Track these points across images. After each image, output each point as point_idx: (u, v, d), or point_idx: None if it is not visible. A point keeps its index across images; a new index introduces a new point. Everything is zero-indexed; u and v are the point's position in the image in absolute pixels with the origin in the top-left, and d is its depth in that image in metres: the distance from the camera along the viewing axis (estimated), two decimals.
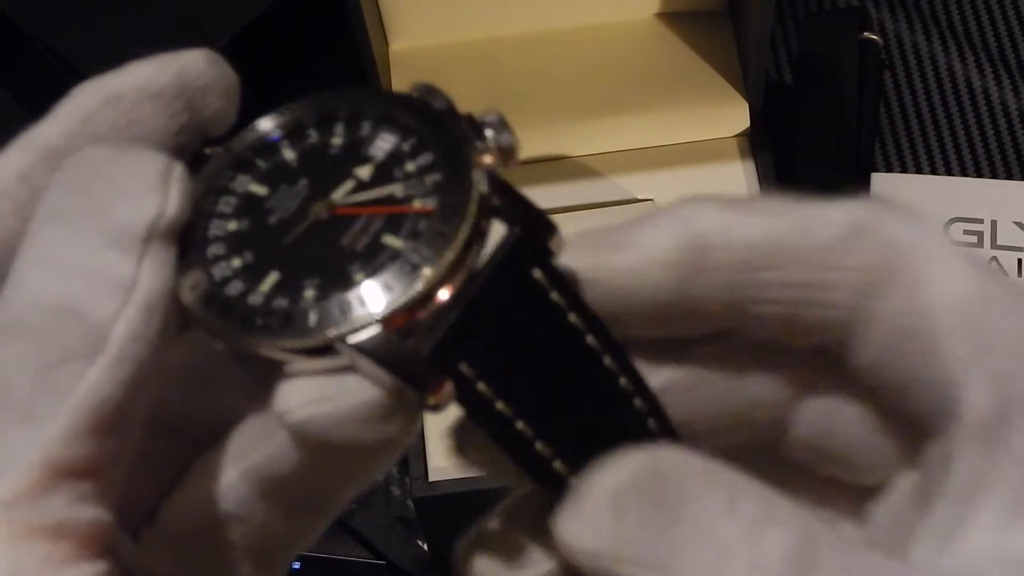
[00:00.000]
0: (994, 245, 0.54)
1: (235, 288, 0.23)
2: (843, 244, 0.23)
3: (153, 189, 0.22)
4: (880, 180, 0.57)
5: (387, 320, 0.22)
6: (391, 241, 0.23)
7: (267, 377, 0.23)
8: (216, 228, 0.24)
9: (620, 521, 0.21)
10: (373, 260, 0.22)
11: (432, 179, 0.23)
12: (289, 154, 0.25)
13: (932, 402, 0.23)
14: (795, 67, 0.61)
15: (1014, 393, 0.22)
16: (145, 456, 0.23)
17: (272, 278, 0.23)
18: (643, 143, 0.56)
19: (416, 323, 0.22)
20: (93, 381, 0.20)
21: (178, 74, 0.24)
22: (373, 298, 0.22)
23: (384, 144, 0.24)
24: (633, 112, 0.56)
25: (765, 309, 0.23)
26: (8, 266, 0.22)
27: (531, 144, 0.55)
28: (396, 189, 0.23)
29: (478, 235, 0.23)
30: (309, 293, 0.22)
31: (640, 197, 0.55)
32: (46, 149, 0.24)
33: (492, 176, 0.23)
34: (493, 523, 0.24)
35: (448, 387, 0.22)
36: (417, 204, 0.23)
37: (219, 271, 0.23)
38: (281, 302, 0.22)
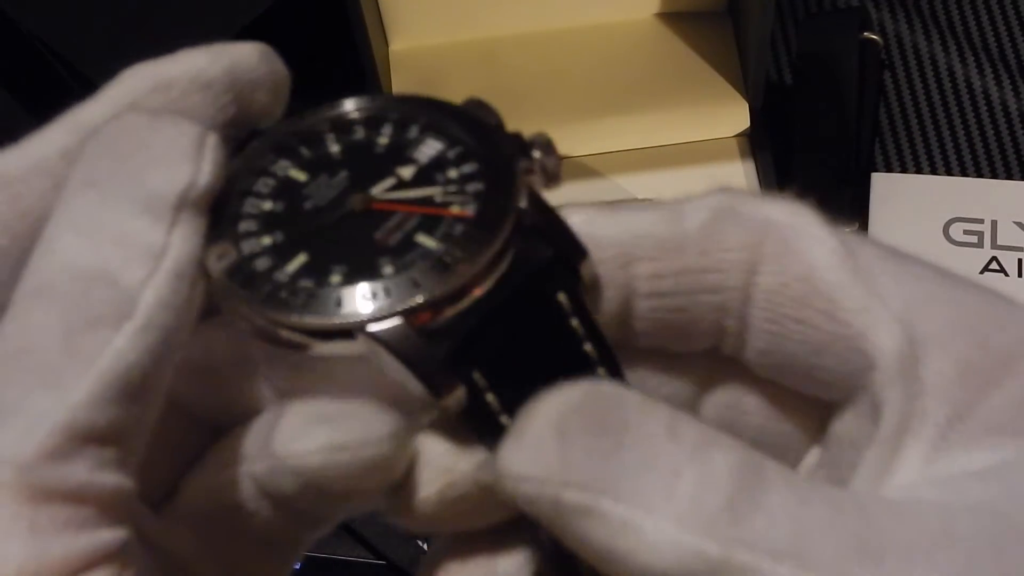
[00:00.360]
0: (994, 245, 0.54)
1: (262, 264, 0.23)
2: (714, 227, 0.23)
3: (187, 158, 0.22)
4: (880, 180, 0.57)
5: (410, 315, 0.22)
6: (424, 240, 0.23)
7: (286, 373, 0.24)
8: (250, 206, 0.24)
9: (565, 446, 0.21)
10: (404, 255, 0.22)
11: (474, 187, 0.23)
12: (334, 146, 0.25)
13: (840, 361, 0.23)
14: (795, 67, 0.61)
15: (916, 330, 0.22)
16: (166, 434, 0.23)
17: (300, 259, 0.23)
18: (643, 143, 0.56)
19: (437, 324, 0.22)
20: (120, 347, 0.20)
21: (229, 67, 0.24)
22: (399, 291, 0.22)
23: (429, 150, 0.24)
24: (633, 112, 0.56)
25: (652, 305, 0.23)
26: None
27: None
28: (436, 192, 0.23)
29: (511, 248, 0.23)
30: (335, 278, 0.22)
31: (640, 197, 0.55)
32: (90, 129, 0.24)
33: (533, 194, 0.23)
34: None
35: (460, 392, 0.22)
36: (455, 209, 0.23)
37: (248, 246, 0.23)
38: (306, 283, 0.22)
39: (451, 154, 0.24)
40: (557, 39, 0.58)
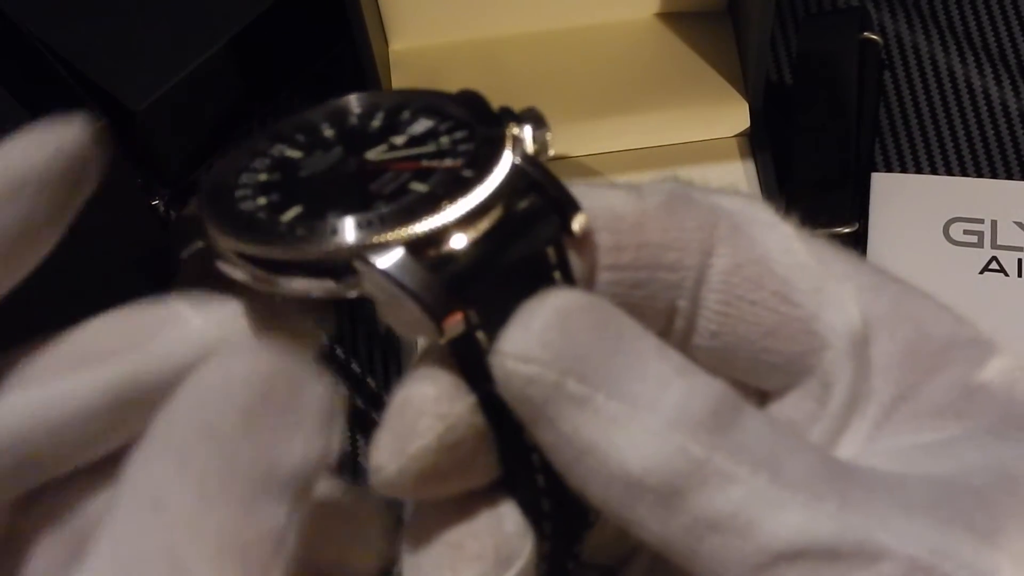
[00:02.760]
0: (994, 245, 0.54)
1: (260, 215, 0.23)
2: (672, 207, 0.24)
3: (320, 430, 0.21)
4: (880, 180, 0.57)
5: (410, 244, 0.22)
6: (418, 187, 0.23)
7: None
8: (246, 179, 0.24)
9: (569, 338, 0.21)
10: (399, 199, 0.23)
11: (465, 147, 0.24)
12: (328, 131, 0.25)
13: (790, 343, 0.24)
14: (795, 67, 0.61)
15: (867, 313, 0.23)
16: None
17: (295, 211, 0.23)
18: (643, 143, 0.56)
19: (433, 257, 0.22)
20: None
21: (67, 155, 0.24)
22: (395, 219, 0.22)
23: (421, 126, 0.25)
24: (633, 112, 0.56)
25: (611, 278, 0.24)
26: None
27: None
28: (429, 149, 0.24)
29: (504, 193, 0.23)
30: (332, 222, 0.22)
31: None
32: None
33: (527, 154, 0.24)
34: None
35: (459, 319, 0.22)
36: (448, 162, 0.23)
37: (245, 205, 0.23)
38: (304, 231, 0.22)
39: (442, 127, 0.24)
40: (557, 39, 0.58)
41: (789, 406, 0.24)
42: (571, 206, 0.23)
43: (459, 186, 0.23)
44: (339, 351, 0.55)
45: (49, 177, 0.23)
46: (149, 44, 0.55)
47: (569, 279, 0.23)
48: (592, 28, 0.59)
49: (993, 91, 0.61)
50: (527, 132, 0.24)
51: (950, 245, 0.55)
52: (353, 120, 0.25)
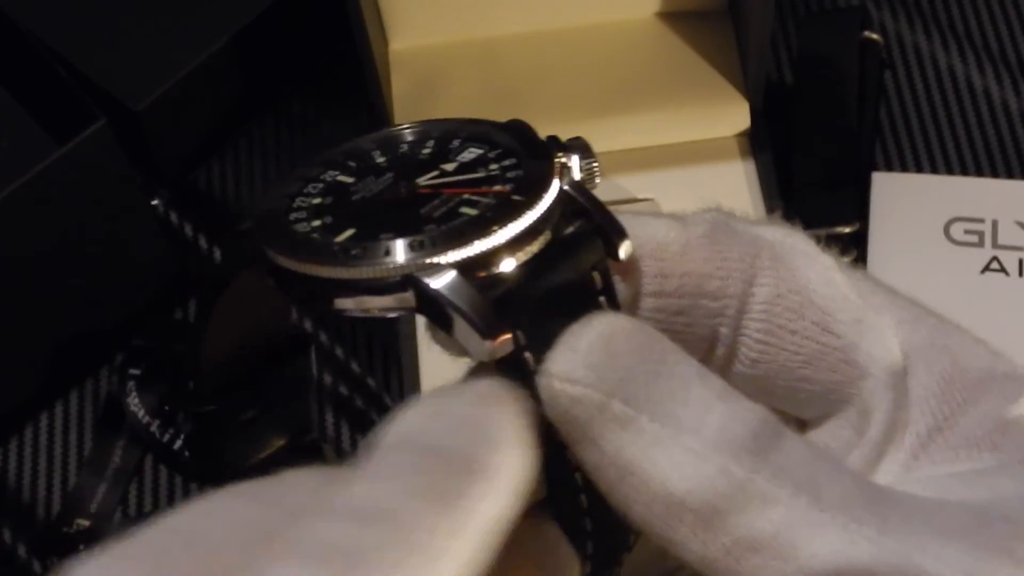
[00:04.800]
0: (995, 245, 0.54)
1: (314, 236, 0.24)
2: (715, 236, 0.24)
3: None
4: (880, 179, 0.57)
5: (460, 266, 0.22)
6: (468, 211, 0.24)
7: None
8: (300, 203, 0.25)
9: (614, 360, 0.21)
10: (449, 222, 0.23)
11: (514, 174, 0.24)
12: (379, 158, 0.26)
13: (829, 372, 0.24)
14: (795, 67, 0.61)
15: (905, 344, 0.24)
16: None
17: (349, 232, 0.24)
18: (643, 143, 0.56)
19: (483, 279, 0.23)
20: None
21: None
22: (446, 240, 0.23)
23: (471, 154, 0.25)
24: (633, 112, 0.56)
25: (656, 305, 0.24)
26: None
27: None
28: (479, 175, 0.25)
29: (552, 218, 0.24)
30: (383, 240, 0.23)
31: (640, 197, 0.55)
32: None
33: (574, 180, 0.24)
34: None
35: (508, 338, 0.22)
36: (497, 187, 0.24)
37: (300, 227, 0.24)
38: (356, 248, 0.23)
39: (492, 154, 0.25)
40: (557, 39, 0.58)
41: (827, 434, 0.25)
42: (617, 232, 0.24)
43: (508, 210, 0.23)
44: (339, 351, 0.55)
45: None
46: (149, 44, 0.55)
47: (614, 304, 0.24)
48: (592, 28, 0.58)
49: (994, 90, 0.61)
50: (574, 161, 0.25)
51: (951, 245, 0.54)
52: (404, 148, 0.26)
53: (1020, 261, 0.54)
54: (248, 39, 0.56)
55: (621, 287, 0.24)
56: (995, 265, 0.54)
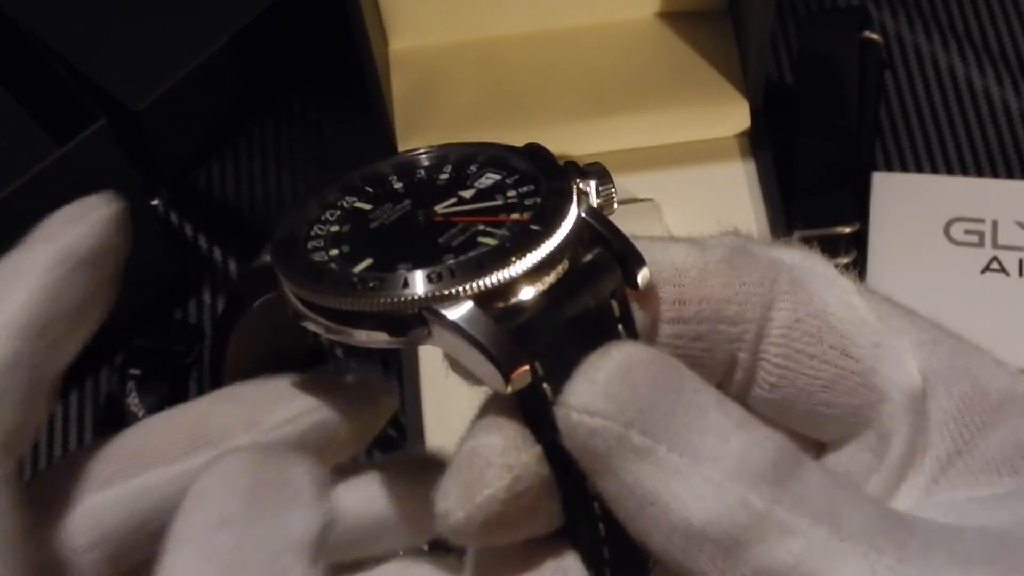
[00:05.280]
0: (995, 245, 0.54)
1: (332, 266, 0.24)
2: (733, 261, 0.24)
3: (317, 500, 0.23)
4: (880, 179, 0.57)
5: (476, 296, 0.22)
6: (486, 240, 0.24)
7: None
8: (317, 230, 0.25)
9: (632, 392, 0.21)
10: (467, 251, 0.23)
11: (532, 201, 0.24)
12: (397, 184, 0.26)
13: (848, 396, 0.24)
14: (795, 67, 0.61)
15: (924, 368, 0.24)
16: None
17: (367, 262, 0.24)
18: (643, 143, 0.56)
19: (501, 310, 0.23)
20: None
21: (102, 234, 0.25)
22: (464, 272, 0.22)
23: (489, 180, 0.25)
24: (633, 112, 0.56)
25: (674, 331, 0.24)
26: (17, 440, 0.24)
27: None
28: (496, 205, 0.24)
29: (570, 246, 0.23)
30: (401, 273, 0.23)
31: (640, 197, 0.55)
32: (27, 326, 0.25)
33: (592, 207, 0.24)
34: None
35: (525, 371, 0.22)
36: (515, 215, 0.24)
37: (317, 256, 0.24)
38: (374, 274, 0.23)
39: (509, 180, 0.25)
40: (557, 39, 0.58)
41: (846, 457, 0.25)
42: (636, 260, 0.24)
43: (526, 239, 0.23)
44: (339, 352, 0.55)
45: (92, 256, 0.25)
46: (149, 44, 0.55)
47: (632, 332, 0.24)
48: (592, 28, 0.58)
49: (994, 90, 0.61)
50: (592, 186, 0.25)
51: (951, 245, 0.54)
52: (421, 173, 0.26)
53: (1020, 261, 0.54)
54: (248, 39, 0.56)
55: (639, 314, 0.24)
56: (995, 265, 0.54)
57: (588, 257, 0.24)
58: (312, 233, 0.25)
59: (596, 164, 0.25)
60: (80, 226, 0.26)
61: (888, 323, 0.24)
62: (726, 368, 0.25)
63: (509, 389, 0.22)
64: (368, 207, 0.25)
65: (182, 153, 0.59)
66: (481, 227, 0.24)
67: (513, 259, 0.23)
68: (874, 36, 0.61)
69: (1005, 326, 0.53)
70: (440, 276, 0.22)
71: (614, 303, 0.23)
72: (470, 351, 0.22)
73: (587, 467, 0.22)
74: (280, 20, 0.58)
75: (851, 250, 0.55)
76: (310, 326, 0.24)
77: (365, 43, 0.52)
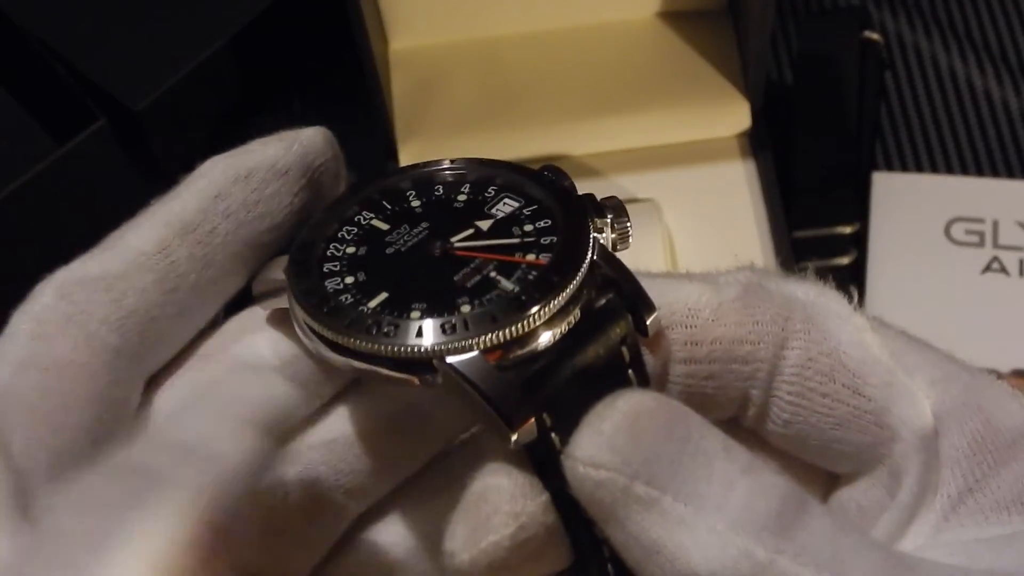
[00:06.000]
0: (996, 245, 0.54)
1: (347, 298, 0.24)
2: (746, 300, 0.24)
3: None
4: (881, 179, 0.57)
5: (488, 349, 0.23)
6: (501, 283, 0.24)
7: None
8: (334, 249, 0.25)
9: (638, 442, 0.22)
10: (481, 295, 0.23)
11: (548, 240, 0.25)
12: (415, 202, 0.26)
13: (861, 434, 0.24)
14: (796, 67, 0.61)
15: (935, 407, 0.24)
16: (305, 533, 0.24)
17: (382, 296, 0.24)
18: (643, 143, 0.56)
19: (510, 360, 0.23)
20: None
21: (302, 154, 0.26)
22: (478, 325, 0.23)
23: (506, 207, 0.26)
24: (633, 112, 0.56)
25: (686, 371, 0.25)
26: (154, 338, 0.24)
27: (531, 144, 0.55)
28: (512, 243, 0.25)
29: (582, 296, 0.24)
30: (415, 314, 0.23)
31: (640, 197, 0.55)
32: (182, 222, 0.25)
33: (604, 250, 0.24)
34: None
35: (531, 425, 0.23)
36: (531, 257, 0.24)
37: (332, 283, 0.24)
38: (389, 316, 0.23)
39: (527, 211, 0.25)
40: (557, 39, 0.58)
41: (860, 493, 0.25)
42: (646, 306, 0.24)
43: (541, 291, 0.23)
44: None
45: (291, 171, 0.26)
46: (149, 44, 0.55)
47: (642, 376, 0.24)
48: (592, 28, 0.58)
49: (994, 90, 0.61)
50: (608, 221, 0.25)
51: (951, 245, 0.54)
52: (439, 191, 0.26)
53: (1020, 261, 0.54)
54: (248, 39, 0.56)
55: (650, 358, 0.24)
56: (995, 265, 0.54)
57: (600, 302, 0.24)
58: (329, 254, 0.25)
59: (613, 199, 0.25)
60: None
61: (901, 360, 0.24)
62: (740, 403, 0.25)
63: (514, 442, 0.22)
64: (385, 227, 0.25)
65: (182, 153, 0.59)
66: (496, 265, 0.24)
67: (527, 313, 0.23)
68: (874, 36, 0.61)
69: (1005, 326, 0.53)
70: (454, 328, 0.23)
71: (624, 349, 0.24)
72: (478, 402, 0.22)
73: (595, 515, 0.22)
74: (280, 20, 0.58)
75: (851, 250, 0.55)
76: (316, 349, 0.24)
77: (365, 43, 0.52)
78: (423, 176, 0.26)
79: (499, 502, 0.23)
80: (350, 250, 0.25)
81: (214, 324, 0.27)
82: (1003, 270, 0.54)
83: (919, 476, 0.24)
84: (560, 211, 0.25)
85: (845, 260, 0.54)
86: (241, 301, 0.28)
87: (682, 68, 0.57)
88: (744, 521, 0.21)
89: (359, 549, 0.26)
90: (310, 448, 0.26)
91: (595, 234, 0.24)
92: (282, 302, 0.25)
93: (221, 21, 0.56)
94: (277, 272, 0.25)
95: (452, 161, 0.27)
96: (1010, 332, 0.52)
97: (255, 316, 0.26)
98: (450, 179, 0.26)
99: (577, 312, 0.23)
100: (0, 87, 0.53)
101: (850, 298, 0.25)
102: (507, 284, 0.24)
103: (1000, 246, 0.54)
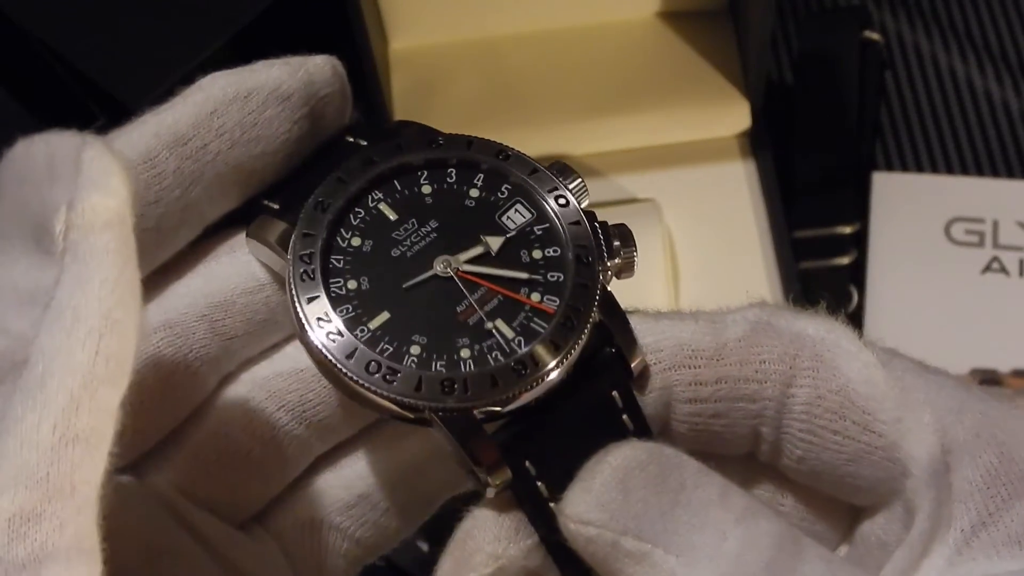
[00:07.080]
0: (995, 245, 0.54)
1: (347, 310, 0.24)
2: (752, 339, 0.24)
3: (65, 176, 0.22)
4: (880, 179, 0.57)
5: (477, 407, 0.23)
6: (502, 328, 0.24)
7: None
8: (341, 239, 0.25)
9: (628, 498, 0.22)
10: (481, 341, 0.24)
11: (555, 277, 0.25)
12: (426, 188, 0.26)
13: (873, 469, 0.24)
14: (796, 67, 0.61)
15: (947, 440, 0.24)
16: (261, 464, 0.25)
17: (383, 317, 0.24)
18: (643, 143, 0.56)
19: (501, 415, 0.24)
20: None
21: (306, 81, 0.25)
22: (478, 387, 0.23)
23: (518, 217, 0.26)
24: (633, 112, 0.56)
25: (692, 410, 0.25)
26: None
27: (531, 144, 0.55)
28: (520, 275, 0.25)
29: (578, 347, 0.24)
30: (415, 349, 0.24)
31: (641, 196, 0.55)
32: (174, 134, 0.24)
33: (605, 294, 0.25)
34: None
35: (506, 474, 0.23)
36: (535, 298, 0.24)
37: (335, 286, 0.24)
38: (388, 347, 0.24)
39: (538, 229, 0.25)
40: (557, 39, 0.58)
41: (879, 526, 0.25)
42: (627, 346, 0.24)
43: (543, 346, 0.24)
44: None
45: (293, 97, 0.25)
46: (149, 43, 0.55)
47: (638, 420, 0.24)
48: (592, 28, 0.58)
49: (994, 90, 0.61)
50: (616, 252, 0.25)
51: (951, 245, 0.54)
52: (451, 178, 0.26)
53: (1020, 261, 0.54)
54: (248, 39, 0.56)
55: (651, 397, 0.24)
56: (995, 265, 0.54)
57: (592, 353, 0.24)
58: (335, 243, 0.25)
59: (622, 226, 0.25)
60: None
61: (911, 394, 0.24)
62: (752, 440, 0.25)
63: (490, 495, 0.23)
64: (394, 217, 0.25)
65: None
66: (500, 302, 0.24)
67: (525, 381, 0.23)
68: (874, 36, 0.61)
69: (1005, 326, 0.53)
70: (453, 387, 0.23)
71: (616, 395, 0.24)
72: (461, 453, 0.23)
73: (590, 564, 0.22)
74: (280, 20, 0.58)
75: (851, 250, 0.55)
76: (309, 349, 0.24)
77: (365, 43, 0.52)
78: (435, 158, 0.26)
79: (482, 542, 0.23)
80: (356, 242, 0.25)
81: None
82: (1003, 270, 0.54)
83: (930, 511, 0.23)
84: (570, 243, 0.25)
85: (845, 260, 0.54)
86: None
87: (682, 68, 0.57)
88: (735, 574, 0.21)
89: (318, 484, 0.26)
90: (278, 375, 0.25)
91: (604, 274, 0.25)
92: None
93: (221, 21, 0.56)
94: (272, 234, 0.25)
95: (464, 139, 0.26)
96: (1010, 332, 0.52)
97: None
98: (462, 164, 0.26)
99: (570, 365, 0.24)
100: (0, 87, 0.53)
101: (860, 334, 0.25)
102: (508, 332, 0.24)
103: (1000, 246, 0.54)
